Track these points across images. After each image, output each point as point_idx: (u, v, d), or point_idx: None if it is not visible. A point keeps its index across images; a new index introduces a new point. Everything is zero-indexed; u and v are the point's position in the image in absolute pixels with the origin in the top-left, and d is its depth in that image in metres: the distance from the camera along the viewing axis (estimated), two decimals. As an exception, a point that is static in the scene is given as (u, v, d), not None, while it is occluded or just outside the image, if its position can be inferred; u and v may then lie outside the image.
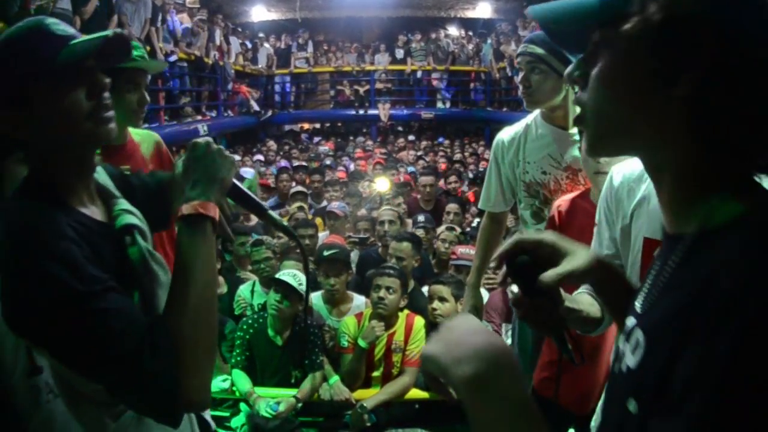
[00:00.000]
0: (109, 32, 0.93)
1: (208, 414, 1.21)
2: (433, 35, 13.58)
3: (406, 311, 2.84)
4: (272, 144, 10.90)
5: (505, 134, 2.16)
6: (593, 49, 0.60)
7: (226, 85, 10.97)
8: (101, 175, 1.09)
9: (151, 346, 0.81)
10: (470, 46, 13.57)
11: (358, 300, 3.08)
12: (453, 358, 0.56)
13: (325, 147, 10.98)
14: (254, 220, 4.43)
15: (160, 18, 7.78)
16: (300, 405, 2.62)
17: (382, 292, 2.70)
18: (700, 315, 0.48)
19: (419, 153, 9.78)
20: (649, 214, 1.11)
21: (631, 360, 0.58)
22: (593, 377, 1.83)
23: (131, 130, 1.97)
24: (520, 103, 2.09)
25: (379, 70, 13.44)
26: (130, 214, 1.04)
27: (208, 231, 0.92)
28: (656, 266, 0.63)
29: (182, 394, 0.82)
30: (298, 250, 3.79)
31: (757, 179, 0.56)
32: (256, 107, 11.74)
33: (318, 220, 4.43)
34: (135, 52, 1.76)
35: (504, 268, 0.80)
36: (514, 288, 0.80)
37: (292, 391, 2.64)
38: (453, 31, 14.75)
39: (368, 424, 2.55)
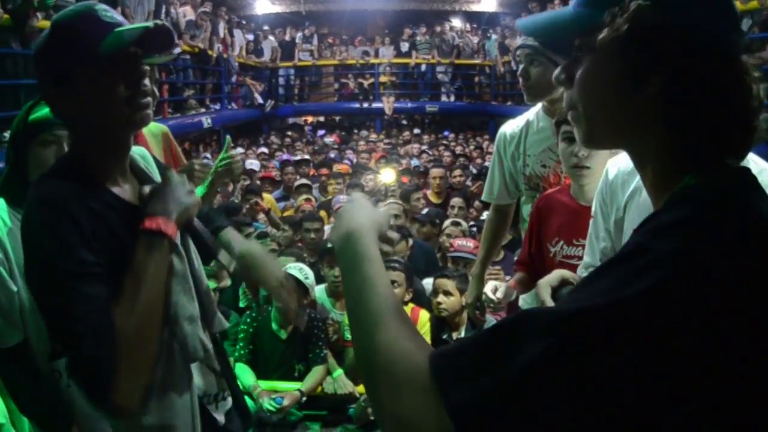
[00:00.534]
0: (150, 23, 0.97)
1: (220, 414, 1.22)
2: (438, 28, 13.50)
3: (411, 305, 2.83)
4: (275, 138, 10.90)
5: (508, 127, 2.16)
6: (575, 54, 0.67)
7: (230, 77, 10.96)
8: (148, 161, 1.15)
9: (96, 335, 0.86)
10: (475, 40, 13.51)
11: (362, 293, 3.06)
12: (336, 230, 0.75)
13: (331, 139, 10.96)
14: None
15: (163, 10, 7.77)
16: (304, 398, 2.62)
17: (387, 286, 2.68)
18: (621, 264, 0.54)
19: (423, 147, 9.76)
20: (639, 206, 1.14)
21: None
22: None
23: None
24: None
25: (384, 63, 13.40)
26: None
27: (165, 248, 0.97)
28: None
29: (112, 390, 0.86)
30: (299, 244, 3.80)
31: (741, 162, 0.62)
32: (260, 100, 11.72)
33: (323, 213, 4.42)
34: None
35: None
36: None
37: (296, 385, 2.64)
38: (458, 24, 14.68)
39: (372, 418, 2.55)
